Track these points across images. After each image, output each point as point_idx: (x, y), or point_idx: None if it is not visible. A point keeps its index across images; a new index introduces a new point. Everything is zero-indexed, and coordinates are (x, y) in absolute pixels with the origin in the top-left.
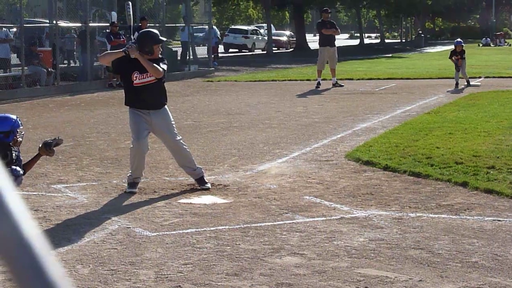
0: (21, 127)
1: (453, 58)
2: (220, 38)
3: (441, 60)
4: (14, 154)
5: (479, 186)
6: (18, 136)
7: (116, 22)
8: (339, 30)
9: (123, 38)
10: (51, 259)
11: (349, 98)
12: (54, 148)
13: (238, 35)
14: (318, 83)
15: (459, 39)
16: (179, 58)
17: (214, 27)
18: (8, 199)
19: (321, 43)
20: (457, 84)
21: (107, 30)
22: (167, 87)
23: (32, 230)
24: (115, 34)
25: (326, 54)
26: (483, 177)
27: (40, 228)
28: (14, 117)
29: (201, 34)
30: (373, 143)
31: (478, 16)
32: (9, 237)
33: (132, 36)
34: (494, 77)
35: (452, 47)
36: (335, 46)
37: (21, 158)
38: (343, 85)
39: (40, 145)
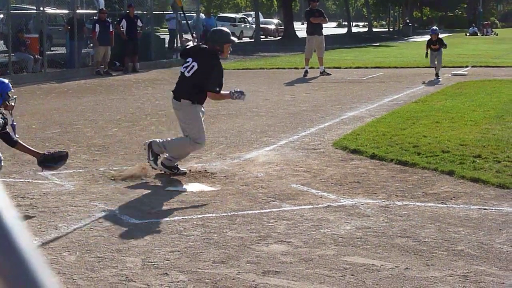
0: (13, 91)
1: (431, 47)
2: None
3: None
4: (2, 121)
5: (465, 175)
6: (10, 101)
7: (104, 9)
8: (326, 18)
9: (109, 24)
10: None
11: (337, 87)
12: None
13: (226, 23)
14: (306, 72)
15: (434, 27)
16: (166, 45)
17: (202, 14)
18: None
19: (309, 32)
20: (437, 74)
21: (95, 17)
22: (155, 74)
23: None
24: (103, 21)
25: (314, 43)
26: (469, 166)
27: (27, 215)
28: (5, 80)
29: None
30: (361, 131)
31: (465, 5)
32: None
33: (119, 23)
34: (481, 66)
35: (439, 36)
36: (322, 34)
37: (15, 123)
38: (330, 74)
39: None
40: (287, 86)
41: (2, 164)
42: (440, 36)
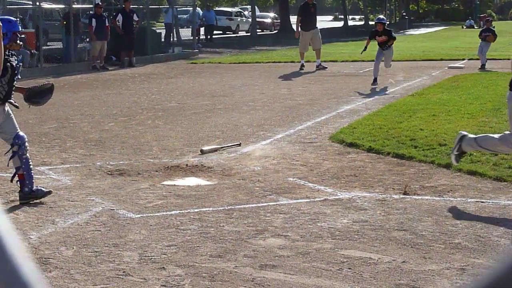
0: (21, 30)
1: (376, 38)
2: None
3: (424, 42)
4: (13, 64)
5: (462, 167)
6: (18, 40)
7: (100, 4)
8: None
9: (105, 19)
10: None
11: (333, 80)
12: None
13: (222, 16)
14: (302, 65)
15: (380, 16)
16: (163, 40)
17: (198, 8)
18: None
19: (301, 27)
20: (375, 80)
21: (91, 12)
22: (151, 69)
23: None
24: (99, 15)
25: (308, 36)
26: (466, 159)
27: (23, 210)
28: (12, 19)
29: (185, 16)
30: (357, 125)
31: None
32: None
33: (115, 18)
34: (477, 59)
35: (436, 29)
36: (316, 28)
37: (20, 64)
38: (326, 67)
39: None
40: (283, 79)
41: (27, 145)
42: (436, 29)
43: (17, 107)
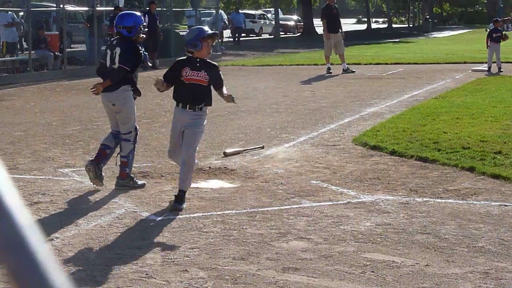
0: (145, 23)
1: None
2: (226, 22)
3: (448, 45)
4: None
5: (486, 171)
6: (141, 33)
7: (120, 6)
8: (343, 33)
9: None
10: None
11: (357, 83)
12: None
13: (246, 19)
14: (328, 69)
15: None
16: None
17: (221, 11)
18: (6, 198)
19: (327, 29)
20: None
21: (111, 15)
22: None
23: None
24: None
25: (332, 40)
26: (490, 162)
27: (47, 212)
28: (138, 13)
29: (208, 19)
30: (380, 127)
31: (485, 1)
32: (6, 237)
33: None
34: (501, 62)
35: (459, 32)
36: (340, 32)
37: (146, 53)
38: (354, 71)
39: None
40: (307, 82)
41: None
42: (460, 31)
43: (139, 94)
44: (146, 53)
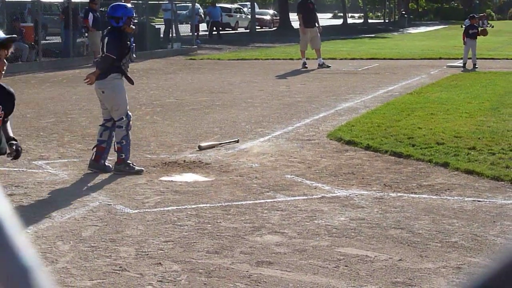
0: (136, 15)
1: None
2: (202, 16)
3: (424, 41)
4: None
5: (460, 166)
6: (131, 25)
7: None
8: (320, 27)
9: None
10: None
11: (332, 78)
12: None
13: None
14: (304, 64)
15: None
16: (162, 35)
17: (197, 4)
18: None
19: (305, 24)
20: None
21: (86, 7)
22: (150, 64)
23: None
24: (94, 11)
25: (309, 35)
26: (464, 158)
27: (20, 204)
28: (128, 5)
29: (184, 12)
30: (355, 123)
31: None
32: None
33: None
34: (476, 58)
35: (435, 28)
36: (316, 27)
37: (133, 45)
38: (330, 66)
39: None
40: (282, 77)
41: (131, 124)
42: (435, 27)
43: (132, 83)
44: (134, 44)
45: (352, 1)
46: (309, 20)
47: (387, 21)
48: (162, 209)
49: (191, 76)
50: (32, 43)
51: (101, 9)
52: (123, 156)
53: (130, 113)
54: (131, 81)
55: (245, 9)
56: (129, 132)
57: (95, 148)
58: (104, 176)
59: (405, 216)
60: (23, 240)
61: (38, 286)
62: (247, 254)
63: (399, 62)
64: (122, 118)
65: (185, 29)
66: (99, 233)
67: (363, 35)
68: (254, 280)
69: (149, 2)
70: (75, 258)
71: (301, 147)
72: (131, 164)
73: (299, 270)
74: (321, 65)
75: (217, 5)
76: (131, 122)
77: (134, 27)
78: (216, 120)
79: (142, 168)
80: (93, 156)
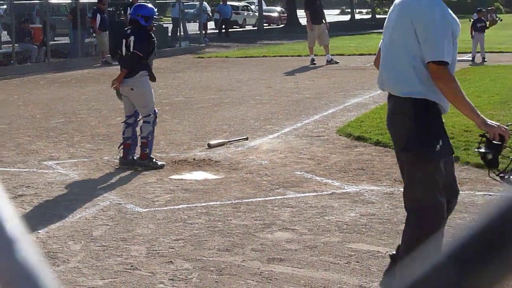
0: (156, 16)
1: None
2: (210, 14)
3: None
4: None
5: (470, 160)
6: (153, 24)
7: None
8: (327, 23)
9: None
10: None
11: (340, 74)
12: None
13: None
14: (312, 60)
15: None
16: (169, 34)
17: (205, 3)
18: None
19: (310, 21)
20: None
21: (94, 8)
22: (158, 63)
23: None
24: (102, 11)
25: (316, 31)
26: (474, 152)
27: (31, 204)
28: (149, 4)
29: (192, 10)
30: (364, 118)
31: None
32: None
33: (126, 13)
34: (485, 52)
35: None
36: (323, 23)
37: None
38: (338, 62)
39: None
40: (290, 73)
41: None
42: None
43: (154, 80)
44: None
45: None
46: (316, 16)
47: None
48: (172, 207)
49: (199, 74)
50: (40, 44)
51: (108, 9)
52: (147, 151)
53: (156, 109)
54: (154, 78)
55: (252, 7)
56: (155, 128)
57: (121, 146)
58: (114, 175)
59: None
60: (8, 211)
61: (23, 258)
62: (258, 251)
63: None
64: (150, 115)
65: (193, 27)
66: (110, 232)
67: (371, 31)
68: (265, 277)
69: (157, 0)
70: (87, 258)
71: (311, 143)
72: (154, 160)
73: (310, 267)
74: (329, 61)
75: (227, 2)
76: (157, 119)
77: (154, 28)
78: (225, 117)
79: (164, 163)
80: (121, 154)
